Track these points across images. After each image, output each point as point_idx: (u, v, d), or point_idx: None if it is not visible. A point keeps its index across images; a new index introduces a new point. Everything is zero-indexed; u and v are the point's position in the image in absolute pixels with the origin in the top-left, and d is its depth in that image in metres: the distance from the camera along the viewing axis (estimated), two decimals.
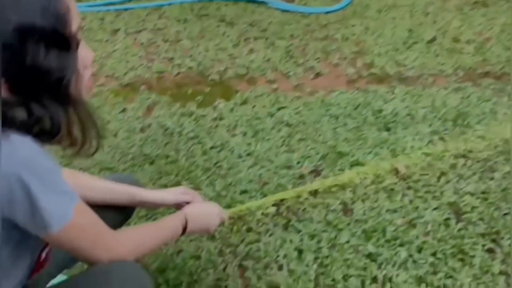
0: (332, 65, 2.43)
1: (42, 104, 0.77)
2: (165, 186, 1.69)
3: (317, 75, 2.35)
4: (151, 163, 1.80)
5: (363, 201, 1.65)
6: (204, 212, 1.19)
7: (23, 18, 0.72)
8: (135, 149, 1.85)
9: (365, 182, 1.69)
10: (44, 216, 0.79)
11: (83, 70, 0.83)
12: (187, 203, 1.22)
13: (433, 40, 2.51)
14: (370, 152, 1.85)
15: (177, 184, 1.70)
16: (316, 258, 1.45)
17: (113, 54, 2.46)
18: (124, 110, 2.07)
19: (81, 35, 0.83)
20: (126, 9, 2.89)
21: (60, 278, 1.17)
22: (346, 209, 1.63)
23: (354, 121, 2.03)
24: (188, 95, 2.19)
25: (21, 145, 0.75)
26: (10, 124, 0.75)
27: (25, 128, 0.76)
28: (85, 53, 0.83)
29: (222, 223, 1.25)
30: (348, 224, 1.56)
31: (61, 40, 0.76)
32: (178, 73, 2.34)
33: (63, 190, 0.82)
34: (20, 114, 0.75)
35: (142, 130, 1.97)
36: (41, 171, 0.78)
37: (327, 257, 1.46)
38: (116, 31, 2.67)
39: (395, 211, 1.58)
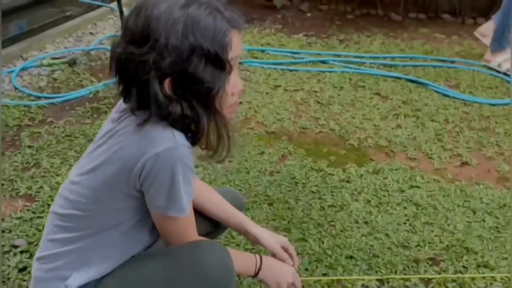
0: (485, 157, 2.24)
1: (192, 106, 0.95)
2: (275, 228, 1.74)
3: (464, 164, 2.19)
4: (270, 204, 1.88)
5: None
6: (281, 267, 1.21)
7: (197, 39, 0.91)
8: (260, 189, 1.96)
9: (490, 283, 1.48)
10: (174, 201, 0.95)
11: (231, 94, 1.00)
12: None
13: None
14: (505, 258, 1.62)
15: (287, 229, 1.74)
16: None
17: (268, 105, 2.69)
18: (262, 153, 2.23)
19: (237, 64, 1.00)
20: (290, 70, 3.17)
21: None
22: None
23: (494, 220, 1.81)
24: (322, 153, 2.25)
25: (181, 145, 0.93)
26: (170, 117, 0.93)
27: (181, 125, 0.95)
28: (236, 81, 1.01)
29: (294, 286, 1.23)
30: None
31: (218, 62, 0.94)
32: (320, 132, 2.43)
33: (191, 188, 0.98)
34: (177, 109, 0.93)
35: (271, 173, 2.08)
36: (188, 170, 0.95)
37: None
38: (277, 87, 2.93)
39: None
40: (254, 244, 1.45)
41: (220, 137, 1.01)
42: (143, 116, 0.95)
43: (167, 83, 0.93)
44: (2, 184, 1.95)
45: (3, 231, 1.71)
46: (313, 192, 1.96)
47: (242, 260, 1.14)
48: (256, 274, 1.15)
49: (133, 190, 0.97)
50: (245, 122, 2.51)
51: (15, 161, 2.11)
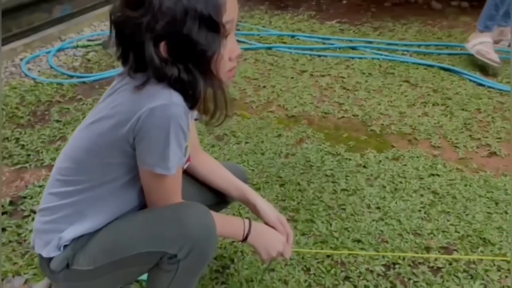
0: None
1: (188, 70, 0.96)
2: (284, 208, 1.72)
3: (491, 154, 2.07)
4: (282, 185, 1.86)
5: None
6: (270, 234, 1.20)
7: (191, 1, 0.92)
8: (273, 170, 1.95)
9: (505, 276, 1.40)
10: (163, 159, 0.96)
11: (228, 59, 1.00)
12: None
13: None
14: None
15: (296, 210, 1.72)
16: None
17: (292, 90, 2.66)
18: (279, 136, 2.21)
19: (233, 28, 0.99)
20: (319, 56, 3.11)
21: None
22: None
23: None
24: (342, 138, 2.20)
25: (176, 104, 0.94)
26: (166, 78, 0.94)
27: (179, 88, 0.96)
28: (233, 46, 1.01)
29: (282, 257, 1.22)
30: None
31: (212, 24, 0.94)
32: (342, 117, 2.38)
33: (182, 152, 0.99)
34: (173, 71, 0.95)
35: (286, 156, 2.06)
36: (180, 131, 0.96)
37: None
38: (303, 72, 2.89)
39: None
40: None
41: (217, 102, 1.02)
42: (142, 78, 0.96)
43: (162, 45, 0.93)
44: (29, 155, 2.05)
45: (24, 197, 1.80)
46: (327, 175, 1.92)
47: (228, 223, 1.14)
48: (245, 238, 1.14)
49: (127, 146, 0.98)
50: (266, 105, 2.49)
51: (43, 134, 2.21)
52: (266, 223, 1.24)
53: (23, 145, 2.12)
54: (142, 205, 1.09)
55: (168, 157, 0.97)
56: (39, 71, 2.87)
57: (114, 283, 1.11)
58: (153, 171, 0.99)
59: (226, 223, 1.14)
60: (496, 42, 3.00)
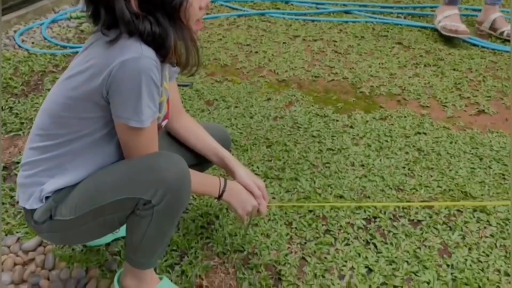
0: (505, 106, 2.11)
1: (158, 22, 0.98)
2: (270, 167, 1.75)
3: (480, 112, 2.07)
4: (268, 146, 1.89)
5: (469, 249, 1.39)
6: (244, 194, 1.24)
7: None
8: (261, 132, 1.97)
9: (484, 227, 1.42)
10: (136, 112, 0.99)
11: (198, 8, 1.03)
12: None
13: None
14: (506, 205, 1.54)
15: (282, 169, 1.75)
16: (384, 284, 1.30)
17: (283, 55, 2.65)
18: (268, 99, 2.22)
19: None
20: (313, 21, 3.08)
21: None
22: (445, 251, 1.40)
23: (501, 167, 1.72)
24: (330, 100, 2.21)
25: (147, 57, 0.96)
26: (138, 32, 0.97)
27: (150, 42, 0.98)
28: None
29: (259, 214, 1.26)
30: (440, 266, 1.35)
31: None
32: (332, 80, 2.38)
33: (155, 105, 1.02)
34: (145, 25, 0.97)
35: (275, 118, 2.08)
36: (152, 84, 0.98)
37: (397, 287, 1.29)
38: (295, 37, 2.87)
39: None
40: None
41: (189, 52, 1.04)
42: (114, 34, 0.98)
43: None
44: (22, 123, 2.09)
45: (17, 163, 1.85)
46: (313, 136, 1.94)
47: (203, 179, 1.17)
48: (220, 195, 1.18)
49: (101, 99, 1.01)
50: (257, 70, 2.49)
51: (36, 103, 2.24)
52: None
53: (16, 114, 2.16)
54: (121, 159, 1.13)
55: (141, 110, 0.99)
56: (32, 43, 2.88)
57: (95, 232, 1.16)
58: (127, 125, 1.02)
59: (202, 180, 1.17)
60: (479, 23, 2.85)
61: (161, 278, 1.25)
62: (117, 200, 1.05)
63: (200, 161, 1.36)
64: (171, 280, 1.30)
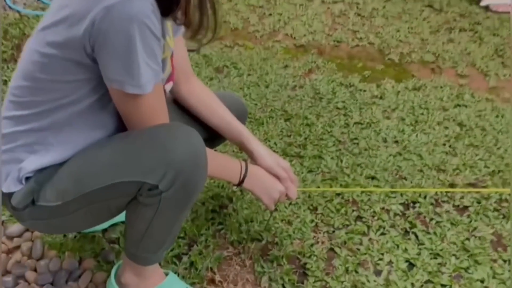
0: None
1: None
2: (289, 144, 1.54)
3: None
4: (287, 119, 1.66)
5: None
6: (268, 179, 1.02)
7: None
8: (278, 104, 1.75)
9: None
10: (131, 74, 0.76)
11: None
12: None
13: None
14: None
15: (303, 146, 1.53)
16: (429, 282, 1.10)
17: (300, 18, 2.40)
18: (286, 67, 1.99)
19: None
20: None
21: None
22: (499, 243, 1.20)
23: None
24: (356, 68, 1.97)
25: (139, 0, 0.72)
26: None
27: None
28: None
29: (287, 198, 1.05)
30: (494, 261, 1.14)
31: None
32: (356, 46, 2.13)
33: (156, 62, 0.79)
34: None
35: (293, 88, 1.85)
36: (148, 33, 0.75)
37: (445, 286, 1.09)
38: None
39: None
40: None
41: (203, 12, 0.81)
42: None
43: None
44: None
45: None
46: (338, 108, 1.71)
47: (223, 162, 0.96)
48: (241, 182, 0.97)
49: (85, 57, 0.78)
50: (272, 34, 2.25)
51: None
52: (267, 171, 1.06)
53: (5, 81, 1.94)
54: (120, 131, 0.91)
55: (138, 70, 0.76)
56: (24, 4, 2.64)
57: (89, 220, 0.95)
58: (123, 91, 0.79)
59: (221, 163, 0.95)
60: None
61: (166, 274, 1.05)
62: (114, 184, 0.82)
63: (211, 136, 1.14)
64: (178, 274, 1.10)
